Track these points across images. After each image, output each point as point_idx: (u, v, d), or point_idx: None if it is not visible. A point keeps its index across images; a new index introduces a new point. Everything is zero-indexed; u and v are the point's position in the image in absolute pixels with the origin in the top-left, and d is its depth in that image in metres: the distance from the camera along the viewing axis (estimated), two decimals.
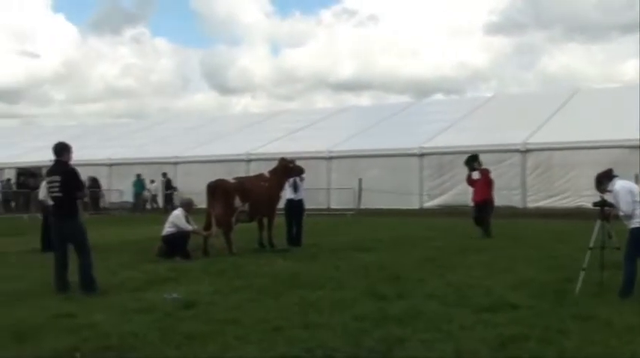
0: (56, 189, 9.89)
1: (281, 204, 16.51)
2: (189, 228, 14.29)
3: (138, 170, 37.09)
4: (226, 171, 27.73)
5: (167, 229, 14.27)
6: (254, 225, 15.94)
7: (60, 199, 9.90)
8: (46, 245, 15.34)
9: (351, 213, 29.95)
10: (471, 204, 18.90)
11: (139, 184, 36.89)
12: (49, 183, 10.17)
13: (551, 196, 29.03)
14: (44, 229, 15.46)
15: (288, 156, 17.81)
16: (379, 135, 35.51)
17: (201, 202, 16.00)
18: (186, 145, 39.23)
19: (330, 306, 8.31)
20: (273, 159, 20.83)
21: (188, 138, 41.29)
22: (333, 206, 32.19)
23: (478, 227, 17.83)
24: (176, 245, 14.03)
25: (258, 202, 15.36)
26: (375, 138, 34.66)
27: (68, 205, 9.89)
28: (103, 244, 15.31)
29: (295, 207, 16.50)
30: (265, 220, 15.80)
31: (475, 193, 18.36)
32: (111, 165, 38.77)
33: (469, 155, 19.43)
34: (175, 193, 34.52)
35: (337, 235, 19.16)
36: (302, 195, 16.86)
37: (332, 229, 21.50)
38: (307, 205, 18.08)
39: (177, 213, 14.51)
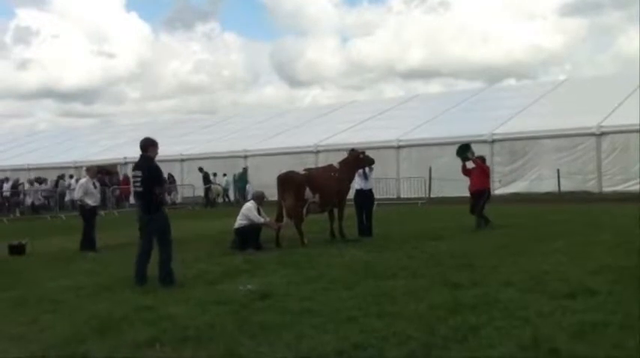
0: (138, 184, 10.15)
1: (351, 195, 16.55)
2: (260, 220, 14.45)
3: (206, 164, 37.49)
4: (296, 163, 27.94)
5: (239, 222, 14.47)
6: (325, 216, 16.01)
7: (141, 193, 10.15)
8: (86, 244, 15.69)
9: (422, 202, 29.80)
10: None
11: (244, 179, 36.07)
12: (132, 177, 10.45)
13: (627, 180, 28.27)
14: (85, 229, 15.82)
15: (357, 147, 17.82)
16: (449, 122, 35.17)
17: (272, 195, 16.14)
18: (256, 139, 39.66)
19: (404, 295, 8.29)
20: (342, 150, 20.91)
21: (258, 132, 41.74)
22: (404, 195, 32.07)
23: (479, 218, 16.96)
24: (249, 237, 14.22)
25: (328, 193, 15.40)
26: (444, 126, 34.35)
27: (150, 199, 10.12)
28: (178, 238, 15.47)
29: (365, 197, 16.47)
30: (335, 211, 15.85)
31: (471, 183, 17.46)
32: (182, 160, 39.42)
33: (459, 145, 18.51)
34: (248, 186, 34.92)
35: (408, 224, 19.07)
36: (371, 184, 16.84)
37: (403, 219, 21.42)
38: (377, 195, 18.04)
39: (249, 206, 14.69)
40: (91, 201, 15.84)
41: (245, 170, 36.42)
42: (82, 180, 16.40)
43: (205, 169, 36.98)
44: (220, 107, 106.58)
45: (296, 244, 14.48)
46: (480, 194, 17.14)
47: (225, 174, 37.42)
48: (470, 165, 17.57)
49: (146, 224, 10.18)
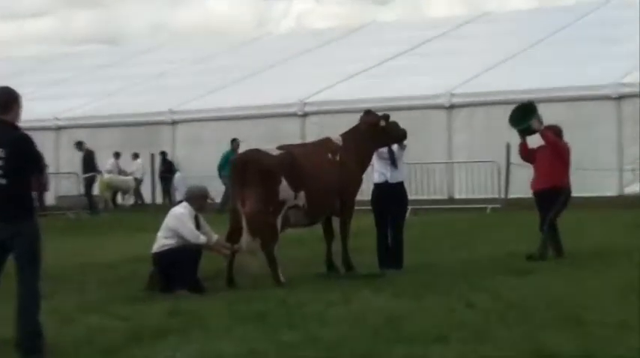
0: None
1: (366, 194, 16.61)
2: (201, 238, 14.44)
3: (104, 136, 37.50)
4: (265, 133, 27.94)
5: (162, 241, 14.45)
6: (317, 232, 16.06)
7: (3, 188, 10.02)
8: None
9: (493, 205, 29.93)
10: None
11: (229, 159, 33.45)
12: None
13: None
14: None
15: (376, 107, 17.83)
16: (542, 64, 35.10)
17: (220, 193, 16.19)
18: (192, 91, 39.67)
19: None
20: (348, 112, 20.93)
21: (196, 79, 41.75)
22: (459, 195, 32.13)
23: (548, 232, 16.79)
24: (179, 268, 14.22)
25: (323, 190, 15.40)
26: (534, 70, 34.30)
27: (17, 198, 10.01)
28: (53, 270, 15.60)
29: (392, 197, 16.47)
30: (337, 222, 15.87)
31: (535, 176, 17.31)
32: (59, 128, 39.17)
33: (517, 105, 18.13)
34: (177, 176, 34.85)
35: (468, 247, 19.19)
36: (403, 175, 16.83)
37: (459, 236, 21.56)
38: (411, 193, 18.04)
39: (179, 213, 14.65)
40: None
41: (236, 144, 32.60)
42: None
43: (89, 146, 36.49)
44: (129, 33, 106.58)
45: (265, 281, 14.54)
46: (551, 196, 16.86)
47: (137, 156, 37.32)
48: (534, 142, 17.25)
49: (3, 241, 10.11)
